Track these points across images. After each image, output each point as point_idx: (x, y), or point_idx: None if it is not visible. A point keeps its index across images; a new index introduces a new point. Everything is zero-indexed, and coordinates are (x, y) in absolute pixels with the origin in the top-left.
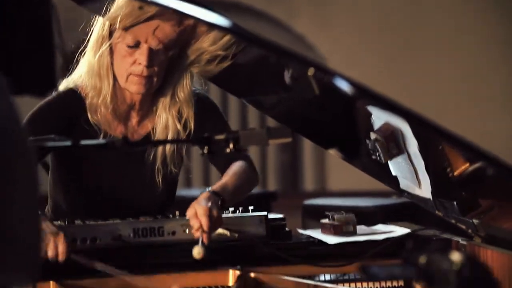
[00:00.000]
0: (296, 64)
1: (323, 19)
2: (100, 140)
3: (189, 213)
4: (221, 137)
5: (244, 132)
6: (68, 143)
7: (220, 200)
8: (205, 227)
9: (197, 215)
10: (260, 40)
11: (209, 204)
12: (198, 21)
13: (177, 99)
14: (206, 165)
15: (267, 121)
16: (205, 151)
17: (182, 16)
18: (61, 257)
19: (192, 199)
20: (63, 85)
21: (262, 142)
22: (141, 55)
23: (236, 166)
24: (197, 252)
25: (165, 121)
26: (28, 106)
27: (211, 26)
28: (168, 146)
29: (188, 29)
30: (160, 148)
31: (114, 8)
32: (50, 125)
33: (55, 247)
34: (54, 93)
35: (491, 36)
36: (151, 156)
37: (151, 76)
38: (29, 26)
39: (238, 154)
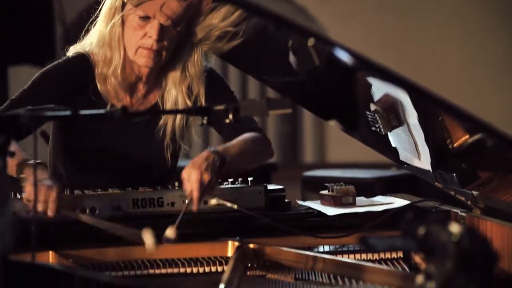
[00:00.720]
0: (296, 34)
1: None
2: (99, 110)
3: (184, 174)
4: (220, 107)
5: (244, 103)
6: (67, 113)
7: (220, 160)
8: (195, 196)
9: (190, 179)
10: (261, 9)
11: (204, 167)
12: None
13: (187, 75)
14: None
15: (267, 92)
16: (204, 121)
17: None
18: (49, 213)
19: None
20: (72, 51)
21: (262, 113)
22: (152, 29)
23: (247, 135)
24: (169, 232)
25: (174, 97)
26: (28, 76)
27: None
28: (177, 122)
29: (195, 3)
30: (169, 124)
31: None
32: (58, 87)
33: (45, 201)
34: (64, 57)
35: (492, 8)
36: (161, 132)
37: (160, 50)
38: None
39: (250, 127)
